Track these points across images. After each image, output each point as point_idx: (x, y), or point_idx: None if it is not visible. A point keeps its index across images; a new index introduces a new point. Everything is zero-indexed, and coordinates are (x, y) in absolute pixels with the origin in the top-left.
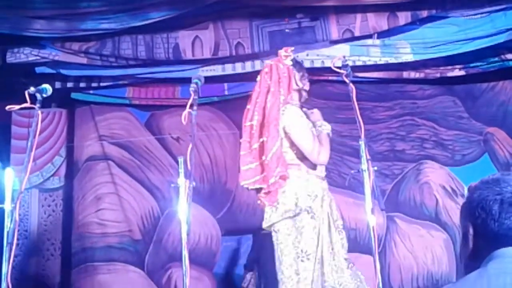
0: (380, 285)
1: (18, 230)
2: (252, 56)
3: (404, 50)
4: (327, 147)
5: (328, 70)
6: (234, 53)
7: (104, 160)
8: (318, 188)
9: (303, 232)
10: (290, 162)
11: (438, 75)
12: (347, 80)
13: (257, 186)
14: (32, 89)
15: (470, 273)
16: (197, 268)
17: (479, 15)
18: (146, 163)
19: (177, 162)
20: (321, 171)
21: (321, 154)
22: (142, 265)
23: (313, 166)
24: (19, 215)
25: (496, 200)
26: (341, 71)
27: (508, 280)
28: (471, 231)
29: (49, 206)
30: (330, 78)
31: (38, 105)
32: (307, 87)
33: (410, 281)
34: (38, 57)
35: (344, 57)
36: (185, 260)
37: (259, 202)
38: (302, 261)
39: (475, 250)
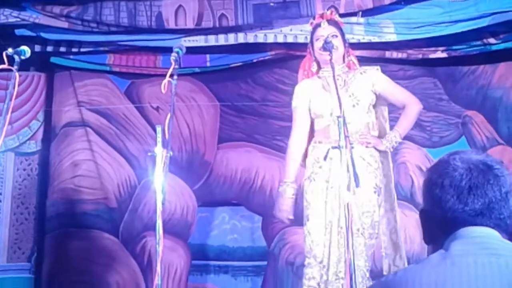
0: (353, 261)
1: None
2: (236, 29)
3: (388, 30)
4: None
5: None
6: (217, 25)
7: (82, 127)
8: None
9: None
10: None
11: (420, 56)
12: (328, 57)
13: None
14: (10, 50)
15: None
16: (171, 238)
17: None
18: (125, 131)
19: (155, 131)
20: None
21: None
22: (116, 233)
23: None
24: None
25: (437, 184)
26: (325, 53)
27: (471, 261)
28: (422, 216)
29: (24, 170)
30: None
31: (16, 67)
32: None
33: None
34: (18, 19)
35: (327, 37)
36: (159, 229)
37: None
38: None
39: (430, 234)
